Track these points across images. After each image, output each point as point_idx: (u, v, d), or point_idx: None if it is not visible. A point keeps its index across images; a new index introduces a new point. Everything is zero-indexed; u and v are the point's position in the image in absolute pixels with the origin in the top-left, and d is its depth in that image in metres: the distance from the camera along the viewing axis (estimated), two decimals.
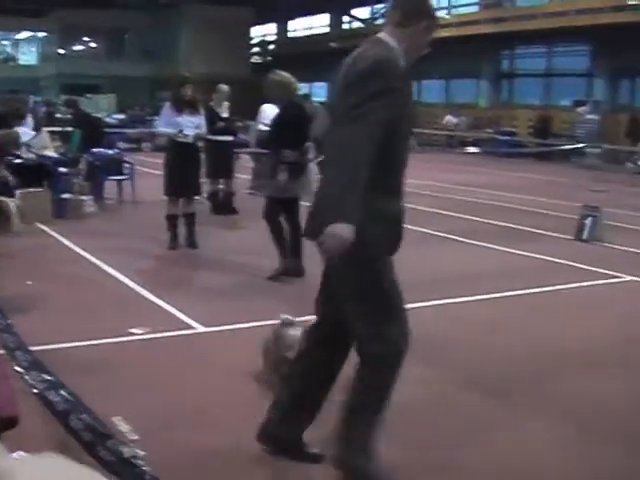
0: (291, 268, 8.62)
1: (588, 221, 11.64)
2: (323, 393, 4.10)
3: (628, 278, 9.30)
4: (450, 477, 4.27)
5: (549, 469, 4.33)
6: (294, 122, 8.79)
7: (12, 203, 8.65)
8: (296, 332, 4.99)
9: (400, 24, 3.93)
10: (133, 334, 6.49)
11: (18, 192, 10.78)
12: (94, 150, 14.64)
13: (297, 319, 5.16)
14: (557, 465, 4.38)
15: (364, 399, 3.86)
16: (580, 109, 28.67)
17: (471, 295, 8.10)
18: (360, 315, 3.81)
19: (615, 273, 9.47)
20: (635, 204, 16.53)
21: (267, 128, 10.74)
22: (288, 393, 4.19)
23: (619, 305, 8.27)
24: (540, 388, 5.58)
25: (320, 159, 16.76)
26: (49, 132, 15.52)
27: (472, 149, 31.28)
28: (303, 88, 43.78)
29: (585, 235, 11.56)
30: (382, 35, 3.93)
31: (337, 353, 4.06)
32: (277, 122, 9.09)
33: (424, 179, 19.72)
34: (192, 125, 10.25)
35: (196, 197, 10.79)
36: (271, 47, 53.00)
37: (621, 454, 4.51)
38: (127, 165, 14.97)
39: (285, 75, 9.07)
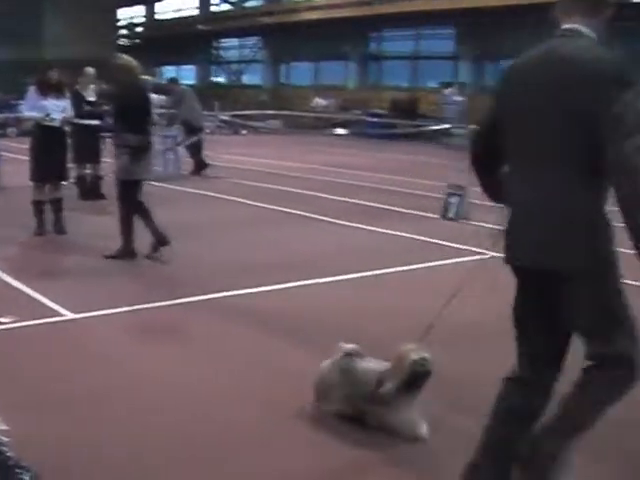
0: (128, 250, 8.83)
1: (454, 200, 11.95)
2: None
3: (492, 254, 9.56)
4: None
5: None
6: (136, 106, 8.82)
7: None
8: (369, 365, 4.63)
9: (589, 14, 3.45)
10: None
11: None
12: None
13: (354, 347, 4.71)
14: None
15: (583, 419, 3.52)
16: (446, 91, 29.29)
17: (341, 274, 8.20)
18: (612, 334, 3.41)
19: (480, 250, 9.74)
20: None
21: None
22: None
23: (491, 279, 8.50)
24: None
25: (191, 141, 16.79)
26: None
27: (341, 131, 31.53)
28: (171, 71, 43.39)
29: (451, 214, 11.87)
30: (577, 27, 3.44)
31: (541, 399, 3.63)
32: (119, 106, 9.11)
33: (293, 161, 19.88)
34: (58, 109, 10.06)
35: (63, 182, 10.57)
36: (139, 30, 52.13)
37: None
38: None
39: (128, 59, 9.05)
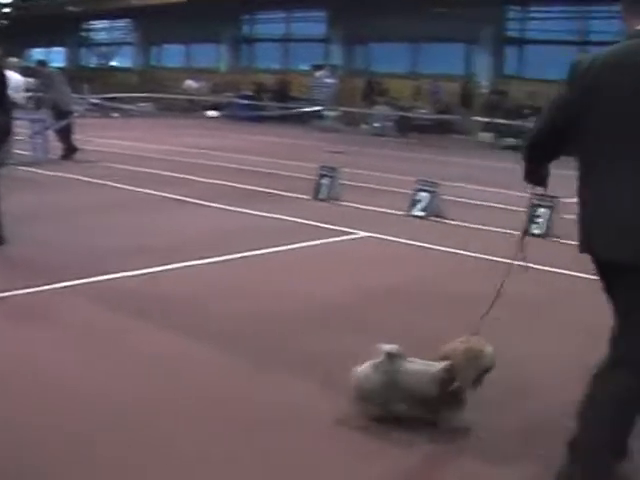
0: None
1: (325, 181, 12.09)
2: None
3: (363, 234, 9.77)
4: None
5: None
6: None
7: None
8: (416, 366, 4.40)
9: None
10: None
11: None
12: None
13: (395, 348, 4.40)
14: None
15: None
16: (317, 73, 29.45)
17: (214, 257, 8.19)
18: None
19: (351, 230, 9.93)
20: (370, 163, 17.34)
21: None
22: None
23: (356, 260, 8.70)
24: (286, 345, 5.74)
25: (60, 125, 16.39)
26: None
27: (213, 113, 31.40)
28: (40, 54, 42.00)
29: (322, 195, 12.01)
30: None
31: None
32: None
33: (165, 144, 19.71)
34: None
35: None
36: (6, 10, 50.31)
37: None
38: None
39: None
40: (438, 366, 4.32)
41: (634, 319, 3.52)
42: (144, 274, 7.47)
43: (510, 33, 29.56)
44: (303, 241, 9.16)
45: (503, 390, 4.80)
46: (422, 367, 4.38)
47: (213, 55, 37.76)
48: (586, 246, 3.66)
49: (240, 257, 8.27)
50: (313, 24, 34.36)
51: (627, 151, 3.44)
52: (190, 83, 34.77)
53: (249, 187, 13.16)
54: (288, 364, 5.30)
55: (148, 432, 4.24)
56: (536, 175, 4.00)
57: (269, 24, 36.57)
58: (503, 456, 4.14)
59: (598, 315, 4.11)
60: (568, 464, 3.64)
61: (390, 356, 4.32)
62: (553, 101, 3.75)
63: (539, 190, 4.16)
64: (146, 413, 4.47)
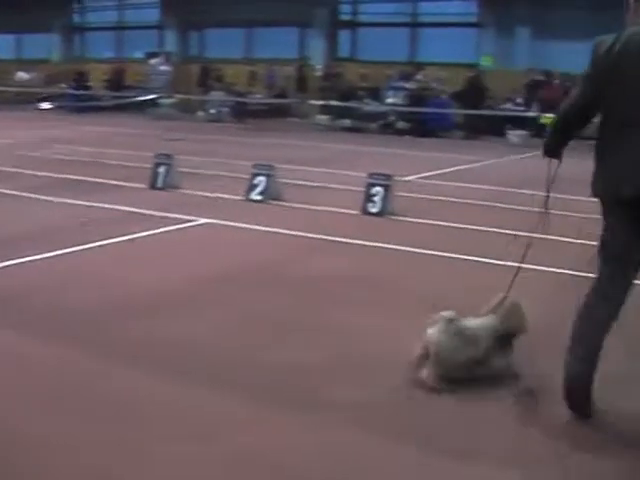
0: None
1: (162, 169, 11.95)
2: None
3: (202, 220, 9.72)
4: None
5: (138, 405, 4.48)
6: None
7: None
8: (477, 322, 4.95)
9: None
10: None
11: None
12: None
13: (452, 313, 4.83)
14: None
15: None
16: (152, 61, 29.06)
17: (47, 252, 7.95)
18: None
19: (190, 217, 9.86)
20: (207, 150, 17.29)
21: None
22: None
23: (195, 246, 8.65)
24: (110, 333, 5.67)
25: None
26: None
27: (46, 105, 30.51)
28: None
29: (159, 183, 11.87)
30: None
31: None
32: None
33: None
34: None
35: None
36: None
37: (202, 387, 4.78)
38: None
39: None
40: (493, 319, 4.97)
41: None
42: None
43: (343, 16, 29.95)
44: (141, 231, 9.02)
45: None
46: (481, 322, 4.96)
47: (44, 45, 36.64)
48: (613, 189, 4.30)
49: (75, 250, 8.07)
50: (147, 11, 33.84)
51: None
52: (21, 75, 33.63)
53: (84, 178, 12.84)
54: (115, 353, 5.25)
55: None
56: (557, 147, 4.69)
57: (101, 12, 35.78)
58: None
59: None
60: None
61: (451, 320, 4.78)
62: (581, 78, 4.44)
63: (554, 163, 4.76)
64: None
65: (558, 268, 7.81)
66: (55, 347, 5.37)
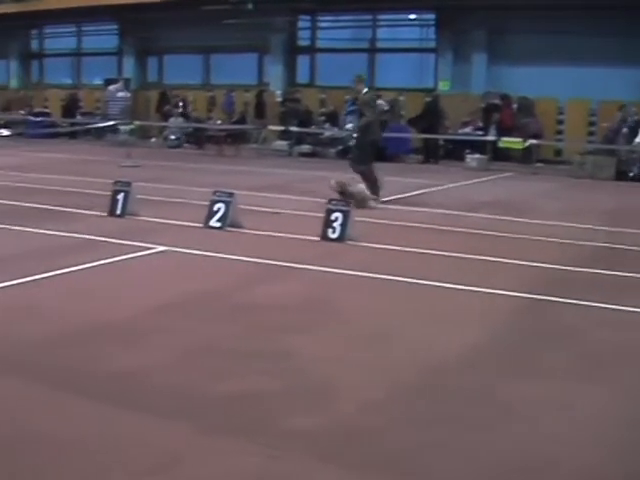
0: None
1: (120, 196, 11.88)
2: None
3: (160, 248, 9.67)
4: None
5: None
6: None
7: None
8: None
9: None
10: None
11: None
12: None
13: None
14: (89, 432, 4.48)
15: None
16: (111, 87, 29.01)
17: (6, 281, 7.81)
18: None
19: (149, 245, 9.81)
20: (166, 177, 17.27)
21: None
22: None
23: (151, 274, 8.61)
24: (54, 365, 5.60)
25: None
26: None
27: (3, 132, 30.27)
28: None
29: (118, 210, 11.80)
30: None
31: None
32: None
33: None
34: None
35: None
36: None
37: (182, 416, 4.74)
38: None
39: None
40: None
41: None
42: None
43: (301, 42, 30.12)
44: (98, 259, 8.93)
45: None
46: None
47: (3, 71, 36.40)
48: None
49: (34, 279, 7.96)
50: (105, 37, 33.79)
51: None
52: None
53: (40, 206, 12.70)
54: (57, 386, 5.19)
55: None
56: None
57: (59, 38, 35.64)
58: None
59: None
60: None
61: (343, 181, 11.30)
62: None
63: None
64: None
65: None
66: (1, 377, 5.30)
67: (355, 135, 15.66)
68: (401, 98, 25.03)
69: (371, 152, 14.91)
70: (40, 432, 4.45)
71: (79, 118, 30.22)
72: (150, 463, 4.12)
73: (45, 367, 5.53)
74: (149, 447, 4.31)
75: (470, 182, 18.43)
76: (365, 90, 15.25)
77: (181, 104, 28.38)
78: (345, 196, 12.43)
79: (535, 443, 4.44)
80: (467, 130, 24.15)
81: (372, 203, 13.43)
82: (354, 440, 4.47)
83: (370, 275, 8.47)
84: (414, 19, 28.51)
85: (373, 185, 14.12)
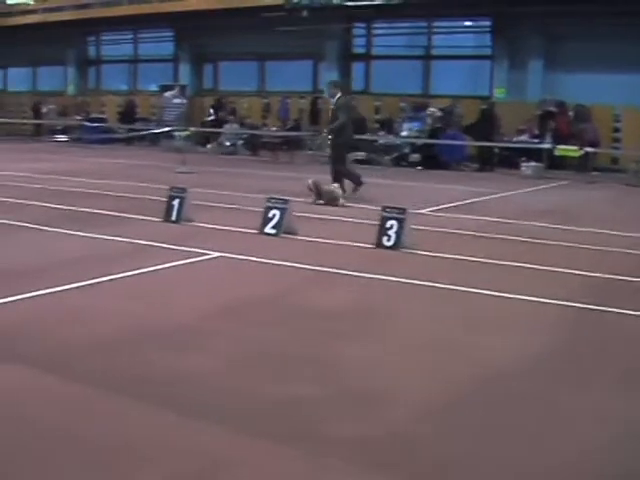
0: None
1: (176, 202, 11.96)
2: None
3: (215, 254, 9.71)
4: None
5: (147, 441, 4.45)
6: None
7: None
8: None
9: None
10: None
11: None
12: None
13: None
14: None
15: None
16: (167, 93, 29.26)
17: (58, 285, 7.90)
18: None
19: (203, 250, 9.85)
20: (222, 183, 17.32)
21: None
22: None
23: (205, 280, 8.64)
24: (116, 367, 5.65)
25: None
26: None
27: (61, 137, 30.72)
28: None
29: (173, 216, 11.88)
30: None
31: None
32: None
33: (7, 170, 19.11)
34: None
35: None
36: None
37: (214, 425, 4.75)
38: None
39: None
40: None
41: None
42: None
43: (356, 49, 30.10)
44: (153, 264, 9.00)
45: None
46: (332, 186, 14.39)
47: (60, 77, 36.96)
48: None
49: (91, 283, 8.05)
50: (161, 44, 34.13)
51: None
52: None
53: (99, 211, 12.86)
54: (119, 388, 5.24)
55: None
56: None
57: (116, 45, 36.11)
58: None
59: None
60: None
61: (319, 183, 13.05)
62: None
63: None
64: None
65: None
66: (60, 381, 5.36)
67: (329, 137, 16.70)
68: (457, 107, 24.86)
69: (346, 152, 16.54)
70: (89, 436, 4.49)
71: (136, 124, 30.55)
72: (195, 467, 4.13)
73: (99, 370, 5.58)
74: (194, 451, 4.31)
75: (525, 190, 18.23)
76: (339, 95, 16.33)
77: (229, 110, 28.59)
78: (319, 195, 14.38)
79: (593, 460, 4.36)
80: (523, 138, 23.90)
81: (342, 201, 14.44)
82: (405, 449, 4.43)
83: (424, 283, 8.41)
84: (469, 26, 28.36)
85: (355, 179, 15.90)
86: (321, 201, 14.32)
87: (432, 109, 24.68)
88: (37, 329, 6.56)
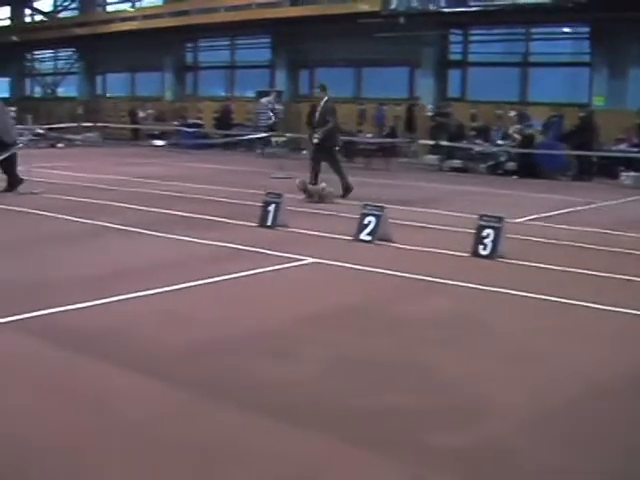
0: None
1: (271, 207, 12.07)
2: None
3: (309, 260, 9.76)
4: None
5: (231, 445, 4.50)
6: None
7: None
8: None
9: None
10: None
11: None
12: None
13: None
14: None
15: None
16: (263, 99, 29.53)
17: (159, 287, 8.07)
18: None
19: (297, 256, 9.92)
20: None
21: None
22: None
23: (300, 286, 8.70)
24: (207, 371, 5.74)
25: (3, 156, 16.17)
26: None
27: (159, 142, 31.27)
28: None
29: (269, 221, 11.99)
30: None
31: None
32: None
33: (108, 173, 19.58)
34: None
35: None
36: None
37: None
38: None
39: None
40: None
41: None
42: (91, 307, 7.34)
43: (453, 56, 29.89)
44: (248, 269, 9.10)
45: None
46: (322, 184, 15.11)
47: (158, 83, 37.66)
48: None
49: (185, 287, 8.19)
50: (258, 50, 34.43)
51: None
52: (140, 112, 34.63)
53: (194, 215, 13.07)
54: (210, 392, 5.31)
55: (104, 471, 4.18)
56: None
57: (213, 51, 36.61)
58: None
59: None
60: None
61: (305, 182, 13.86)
62: None
63: None
64: (94, 449, 4.41)
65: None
66: (159, 385, 5.46)
67: (317, 140, 16.72)
68: (555, 117, 24.40)
69: (336, 155, 17.06)
70: (184, 440, 4.56)
71: (232, 130, 30.89)
72: (290, 474, 4.17)
73: (191, 374, 5.67)
74: (292, 456, 4.36)
75: (623, 200, 17.81)
76: (326, 99, 16.72)
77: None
78: (308, 194, 15.11)
79: None
80: (622, 147, 23.39)
81: (331, 197, 15.27)
82: (500, 460, 4.39)
83: (521, 293, 8.30)
84: (568, 32, 27.88)
85: (312, 178, 16.20)
86: (310, 198, 15.09)
87: (513, 129, 24.05)
88: (135, 332, 6.69)
